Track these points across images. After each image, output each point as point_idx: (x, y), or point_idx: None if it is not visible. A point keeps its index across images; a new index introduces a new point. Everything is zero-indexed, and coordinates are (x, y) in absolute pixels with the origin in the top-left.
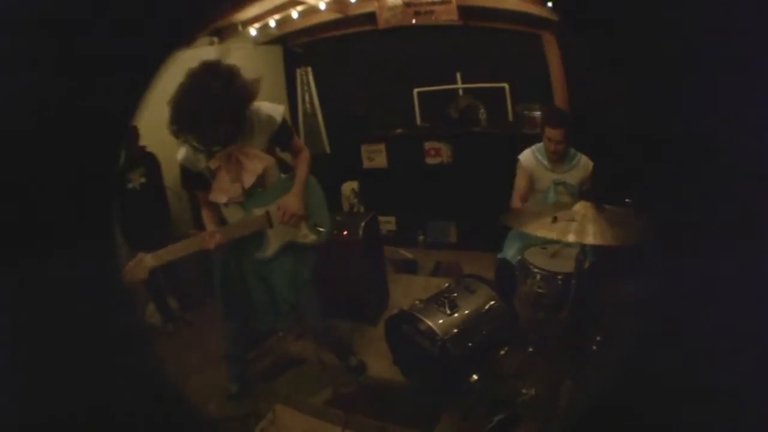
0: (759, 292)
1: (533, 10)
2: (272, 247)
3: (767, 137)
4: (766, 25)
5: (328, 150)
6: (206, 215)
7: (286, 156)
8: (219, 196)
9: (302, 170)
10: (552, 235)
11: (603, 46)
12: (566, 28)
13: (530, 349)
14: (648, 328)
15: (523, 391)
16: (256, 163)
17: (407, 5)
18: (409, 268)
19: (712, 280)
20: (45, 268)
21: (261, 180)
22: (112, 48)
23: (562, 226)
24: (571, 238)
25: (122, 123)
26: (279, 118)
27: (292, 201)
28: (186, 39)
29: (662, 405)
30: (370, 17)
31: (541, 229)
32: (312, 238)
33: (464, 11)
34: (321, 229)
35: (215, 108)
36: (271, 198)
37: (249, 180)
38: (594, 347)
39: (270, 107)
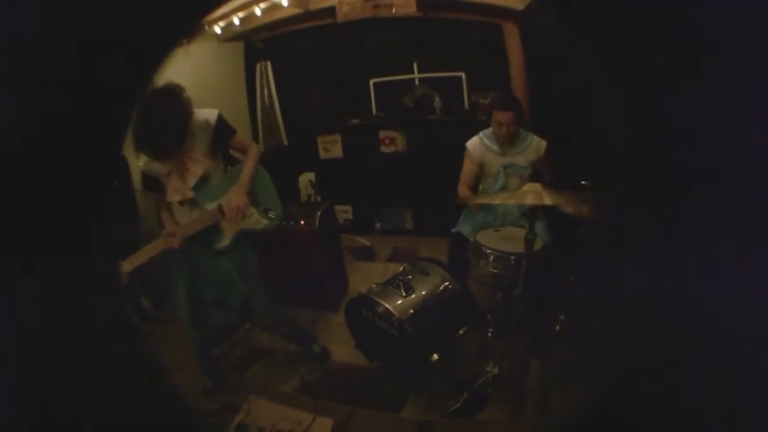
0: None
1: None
2: (227, 236)
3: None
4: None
5: (285, 142)
6: (165, 216)
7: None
8: (173, 196)
9: (248, 165)
10: (510, 200)
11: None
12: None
13: (491, 330)
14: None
15: (487, 369)
16: (197, 167)
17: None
18: (367, 255)
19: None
20: (44, 265)
21: (205, 180)
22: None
23: (519, 194)
24: (529, 199)
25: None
26: (213, 121)
27: (234, 195)
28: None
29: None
30: (331, 11)
31: (498, 198)
32: (264, 223)
33: (424, 3)
34: (272, 215)
35: (157, 125)
36: (221, 192)
37: (191, 181)
38: (557, 327)
39: (205, 112)
